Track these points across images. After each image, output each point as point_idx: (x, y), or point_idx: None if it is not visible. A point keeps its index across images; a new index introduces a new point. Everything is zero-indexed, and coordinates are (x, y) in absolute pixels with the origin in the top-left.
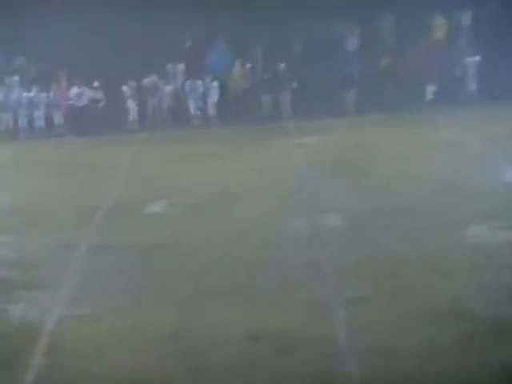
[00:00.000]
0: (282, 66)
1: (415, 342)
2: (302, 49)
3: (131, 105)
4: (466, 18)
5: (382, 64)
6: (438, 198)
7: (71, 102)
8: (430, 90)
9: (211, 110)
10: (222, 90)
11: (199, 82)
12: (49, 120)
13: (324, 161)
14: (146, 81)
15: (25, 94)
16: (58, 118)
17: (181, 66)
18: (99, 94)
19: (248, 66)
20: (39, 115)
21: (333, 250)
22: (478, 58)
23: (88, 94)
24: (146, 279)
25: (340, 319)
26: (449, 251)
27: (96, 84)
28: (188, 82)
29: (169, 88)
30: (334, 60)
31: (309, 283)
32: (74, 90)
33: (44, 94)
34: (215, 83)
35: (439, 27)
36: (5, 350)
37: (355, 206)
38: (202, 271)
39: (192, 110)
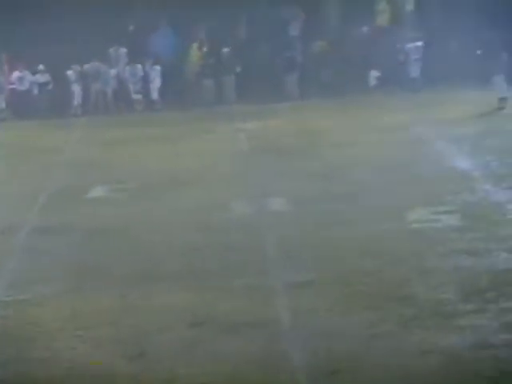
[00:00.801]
0: (226, 50)
1: (357, 326)
2: (246, 33)
3: (76, 89)
4: (409, 4)
5: (317, 49)
6: (382, 183)
7: (13, 86)
8: (374, 75)
9: (154, 95)
10: (166, 74)
11: (139, 66)
12: None
13: (268, 145)
14: (88, 66)
15: None
16: (0, 102)
17: (123, 50)
18: (46, 77)
19: (205, 49)
20: None
21: (277, 234)
22: (420, 44)
23: (30, 78)
24: (90, 263)
25: (283, 303)
26: (392, 235)
27: (41, 67)
28: (128, 66)
29: (113, 72)
30: (278, 44)
31: (253, 267)
32: (16, 74)
33: None
34: (157, 67)
35: (382, 12)
36: None
37: (299, 190)
38: (147, 255)
39: (132, 95)
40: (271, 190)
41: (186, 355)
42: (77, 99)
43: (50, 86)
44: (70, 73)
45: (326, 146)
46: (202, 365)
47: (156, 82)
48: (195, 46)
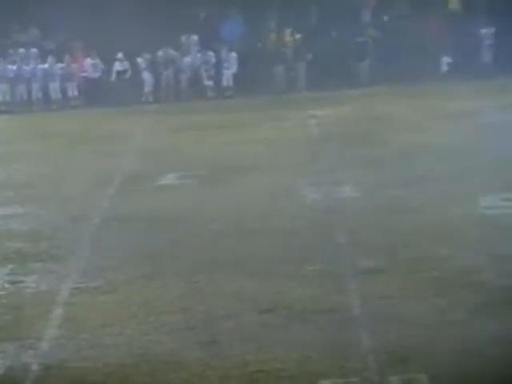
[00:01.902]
0: (298, 37)
1: (428, 313)
2: (317, 20)
3: (146, 76)
4: None
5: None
6: (452, 169)
7: (86, 74)
8: (446, 61)
9: (226, 81)
10: (238, 61)
11: (211, 54)
12: (63, 92)
13: (338, 132)
14: (160, 53)
15: (40, 66)
16: (73, 90)
17: (195, 38)
18: (124, 65)
19: (298, 36)
20: (55, 87)
21: (346, 219)
22: (492, 30)
23: (99, 65)
24: (160, 251)
25: (353, 289)
26: (463, 222)
27: (120, 55)
28: (200, 53)
29: (186, 60)
30: (349, 31)
31: (322, 253)
32: (89, 62)
33: (59, 66)
34: (233, 54)
35: None
36: (19, 321)
37: (369, 176)
38: (215, 242)
39: (205, 81)
40: (340, 177)
41: (257, 341)
42: (147, 86)
43: (129, 74)
44: (140, 60)
45: (396, 132)
46: (273, 351)
47: (232, 69)
48: (288, 32)
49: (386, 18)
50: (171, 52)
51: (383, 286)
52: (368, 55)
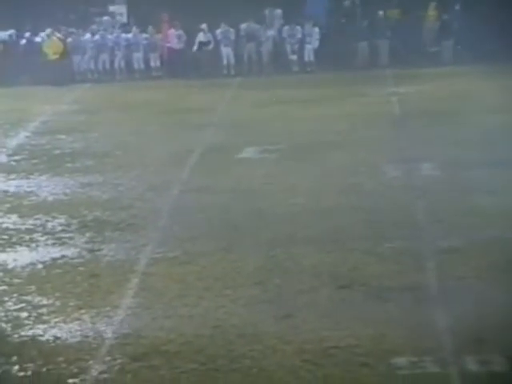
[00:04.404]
0: (381, 13)
1: (505, 296)
2: None
3: (224, 49)
4: None
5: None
6: None
7: (169, 45)
8: None
9: (308, 56)
10: (322, 37)
11: (298, 28)
12: (146, 62)
13: (420, 110)
14: (243, 26)
15: (123, 36)
16: (155, 61)
17: (278, 11)
18: (208, 37)
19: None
20: (138, 57)
21: (426, 198)
22: None
23: (183, 37)
24: (238, 224)
25: (431, 268)
26: None
27: (203, 26)
28: (286, 27)
29: (269, 33)
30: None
31: (401, 231)
32: (173, 33)
33: (143, 36)
34: (316, 29)
35: None
36: (96, 290)
37: (450, 155)
38: (294, 217)
39: (289, 56)
40: (421, 154)
41: (333, 317)
42: (226, 59)
43: (211, 46)
44: (218, 32)
45: (478, 112)
46: (349, 327)
47: (313, 44)
48: (432, 5)
49: None
50: (254, 26)
51: (460, 266)
52: (452, 34)
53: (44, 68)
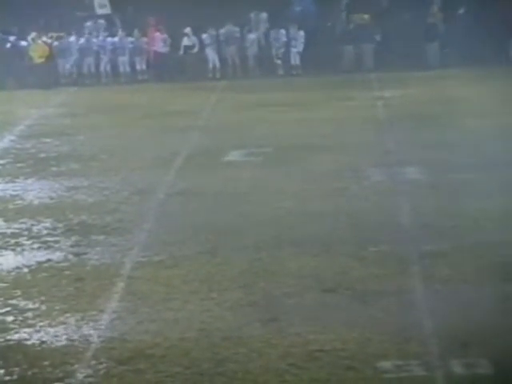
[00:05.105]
0: (366, 17)
1: (492, 299)
2: (388, 1)
3: (210, 53)
4: None
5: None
6: None
7: (155, 48)
8: None
9: (294, 60)
10: (307, 40)
11: (282, 31)
12: (132, 65)
13: (405, 113)
14: (222, 30)
15: (109, 39)
16: (141, 64)
17: (264, 15)
18: (192, 40)
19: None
20: (124, 60)
21: (412, 202)
22: None
23: (168, 40)
24: (223, 227)
25: (416, 272)
26: None
27: (187, 30)
28: (272, 30)
29: (252, 36)
30: (419, 12)
31: (386, 236)
32: (159, 36)
33: (129, 40)
34: (301, 33)
35: None
36: (81, 293)
37: (436, 159)
38: (278, 220)
39: (275, 60)
40: (407, 158)
41: (318, 320)
42: (211, 63)
43: (196, 50)
44: (205, 36)
45: (464, 115)
46: (334, 331)
47: (299, 48)
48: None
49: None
50: (233, 29)
51: (446, 269)
52: (438, 37)
53: (29, 71)
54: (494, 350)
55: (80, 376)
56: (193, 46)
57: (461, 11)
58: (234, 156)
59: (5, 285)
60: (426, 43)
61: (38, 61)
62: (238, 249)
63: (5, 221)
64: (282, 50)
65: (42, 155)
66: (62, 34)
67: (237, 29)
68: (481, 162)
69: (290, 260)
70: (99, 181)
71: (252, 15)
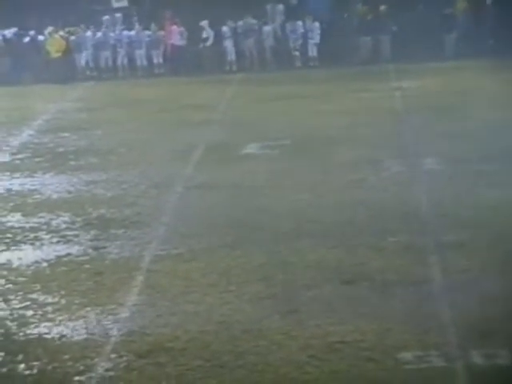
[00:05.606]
0: (383, 8)
1: (509, 288)
2: None
3: (228, 45)
4: None
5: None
6: None
7: (172, 41)
8: None
9: (311, 52)
10: (324, 32)
11: (299, 23)
12: (149, 59)
13: (423, 104)
14: (240, 22)
15: (125, 33)
16: (158, 57)
17: (280, 7)
18: (207, 33)
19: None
20: (141, 54)
21: (431, 193)
22: None
23: (185, 33)
24: (242, 219)
25: (435, 262)
26: None
27: (204, 23)
28: (288, 22)
29: (267, 29)
30: (436, 2)
31: (404, 226)
32: (176, 29)
33: (146, 33)
34: (316, 24)
35: None
36: (101, 287)
37: (454, 150)
38: (297, 212)
39: (292, 51)
40: (425, 149)
41: (338, 312)
42: (230, 55)
43: (209, 42)
44: (224, 29)
45: (481, 106)
46: (354, 322)
47: (315, 39)
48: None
49: None
50: (251, 21)
51: (465, 259)
52: (455, 28)
53: (47, 66)
54: None
55: (100, 370)
56: (207, 39)
57: (488, 1)
58: (251, 149)
59: (24, 279)
60: (443, 34)
61: (55, 55)
62: (257, 241)
63: (23, 215)
64: (300, 42)
65: (60, 149)
66: (79, 29)
67: (255, 21)
68: (498, 152)
69: (308, 252)
70: (117, 175)
71: (268, 7)
